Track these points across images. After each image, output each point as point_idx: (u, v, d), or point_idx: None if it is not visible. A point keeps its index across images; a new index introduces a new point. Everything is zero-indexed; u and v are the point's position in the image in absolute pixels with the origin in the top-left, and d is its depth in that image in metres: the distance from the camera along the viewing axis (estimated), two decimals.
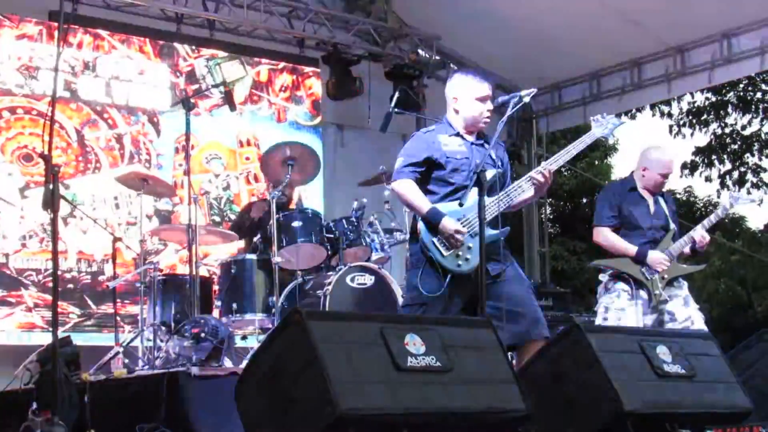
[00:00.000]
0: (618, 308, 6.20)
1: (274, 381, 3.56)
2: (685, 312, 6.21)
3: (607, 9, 9.49)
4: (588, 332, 4.15)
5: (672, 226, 6.35)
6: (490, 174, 5.10)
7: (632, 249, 6.24)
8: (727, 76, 10.79)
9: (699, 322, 6.17)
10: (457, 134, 5.24)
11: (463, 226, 5.01)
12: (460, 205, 5.05)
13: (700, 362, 4.33)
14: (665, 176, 6.40)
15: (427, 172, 5.16)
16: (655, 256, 6.20)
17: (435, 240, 5.01)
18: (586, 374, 4.07)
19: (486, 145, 5.26)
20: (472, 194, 5.01)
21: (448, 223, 4.98)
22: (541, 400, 4.03)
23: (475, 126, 5.27)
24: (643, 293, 6.21)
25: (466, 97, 5.26)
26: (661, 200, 6.44)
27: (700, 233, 6.30)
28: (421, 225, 5.06)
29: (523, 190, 5.23)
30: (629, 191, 6.44)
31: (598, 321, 6.29)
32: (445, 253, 4.99)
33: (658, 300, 6.18)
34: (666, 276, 6.21)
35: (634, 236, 6.30)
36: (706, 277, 18.58)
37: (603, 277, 6.37)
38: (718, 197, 20.69)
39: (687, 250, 6.33)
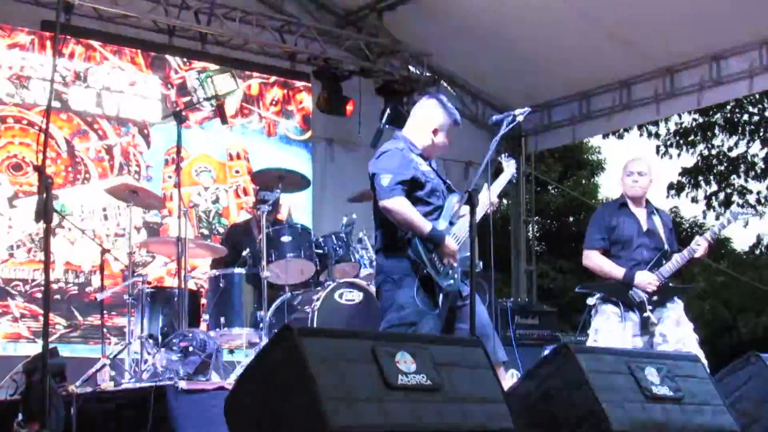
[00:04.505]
0: (608, 330, 6.16)
1: (265, 397, 3.56)
2: (677, 333, 6.13)
3: (598, 30, 9.55)
4: (577, 353, 4.16)
5: (665, 246, 6.28)
6: (453, 199, 5.22)
7: (620, 272, 6.20)
8: (716, 99, 10.86)
9: (691, 343, 6.09)
10: (420, 155, 5.34)
11: None
12: (451, 224, 5.14)
13: (688, 384, 4.34)
14: (629, 174, 6.35)
15: (409, 191, 5.20)
16: (642, 277, 6.14)
17: (432, 258, 5.05)
18: (574, 394, 4.07)
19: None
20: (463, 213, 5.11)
21: (451, 244, 5.05)
22: (530, 419, 4.04)
23: (434, 155, 5.44)
24: (633, 315, 6.16)
25: (446, 130, 5.40)
26: (655, 217, 6.39)
27: (704, 247, 6.16)
28: (416, 243, 5.07)
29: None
30: (619, 208, 6.42)
31: (590, 343, 6.26)
32: (440, 271, 5.05)
33: (649, 323, 6.15)
34: (656, 297, 6.17)
35: (623, 257, 6.28)
36: (691, 298, 18.62)
37: (590, 301, 6.34)
38: (704, 218, 20.81)
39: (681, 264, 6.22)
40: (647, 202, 6.47)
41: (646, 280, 6.14)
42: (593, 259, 6.35)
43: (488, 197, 5.28)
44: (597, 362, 4.18)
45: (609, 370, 4.17)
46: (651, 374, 4.24)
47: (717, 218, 20.01)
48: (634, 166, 6.40)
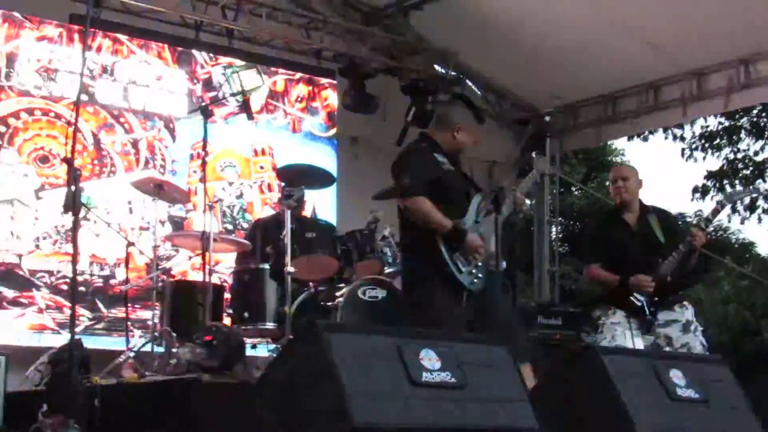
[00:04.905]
0: (613, 322, 6.19)
1: (289, 392, 3.57)
2: (683, 338, 6.15)
3: (626, 31, 9.50)
4: (603, 354, 4.15)
5: (662, 245, 6.28)
6: (478, 198, 5.23)
7: (615, 279, 6.26)
8: (744, 102, 10.76)
9: (696, 350, 6.11)
10: (443, 153, 5.37)
11: None
12: (477, 222, 5.15)
13: (714, 387, 4.33)
14: (613, 182, 6.50)
15: (430, 190, 5.20)
16: (637, 279, 6.16)
17: (455, 256, 5.06)
18: (599, 396, 4.07)
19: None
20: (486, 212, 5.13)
21: (475, 239, 5.05)
22: (553, 420, 4.03)
23: (457, 152, 5.48)
24: (636, 318, 6.19)
25: (469, 129, 5.45)
26: (651, 218, 6.41)
27: (700, 236, 6.13)
28: (438, 242, 5.08)
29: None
30: (610, 218, 6.53)
31: (599, 341, 6.28)
32: (463, 270, 5.05)
33: (649, 326, 6.14)
34: (657, 298, 6.16)
35: (619, 265, 6.29)
36: (715, 301, 18.54)
37: (596, 313, 6.41)
38: (729, 222, 20.68)
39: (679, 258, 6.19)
40: (641, 204, 6.49)
41: (642, 281, 6.15)
42: (590, 273, 6.47)
43: (514, 197, 5.29)
44: (622, 364, 4.17)
45: (634, 371, 4.17)
46: (676, 376, 4.23)
47: (742, 222, 19.93)
48: (616, 173, 6.59)
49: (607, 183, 6.58)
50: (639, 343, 6.09)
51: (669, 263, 6.16)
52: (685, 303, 6.28)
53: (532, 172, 5.73)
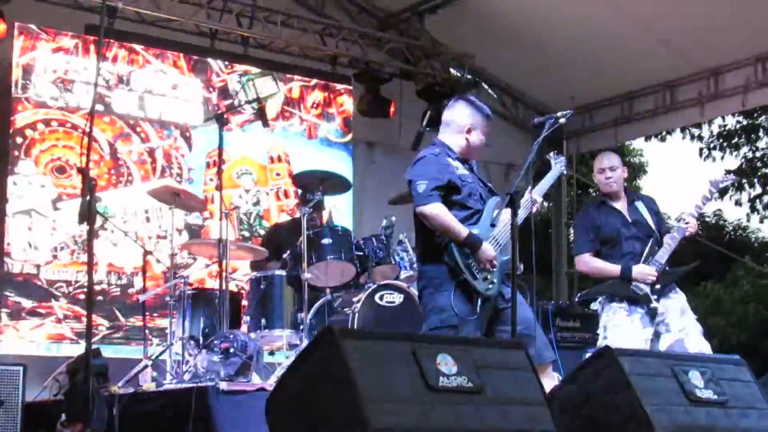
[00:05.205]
0: (616, 324, 6.15)
1: (306, 398, 3.56)
2: (680, 323, 6.12)
3: (642, 31, 9.47)
4: (620, 355, 4.12)
5: (655, 232, 6.26)
6: (493, 202, 5.22)
7: (616, 269, 6.18)
8: (761, 100, 10.70)
9: (693, 333, 6.10)
10: (457, 158, 5.34)
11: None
12: (492, 226, 5.15)
13: (732, 388, 4.29)
14: (600, 172, 6.40)
15: (446, 196, 5.19)
16: (639, 269, 6.12)
17: (469, 263, 5.06)
18: (617, 398, 4.03)
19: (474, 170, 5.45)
20: (502, 215, 5.12)
21: (489, 249, 5.06)
22: (572, 422, 4.01)
23: (473, 155, 5.42)
24: (638, 308, 6.15)
25: (479, 127, 5.40)
26: (639, 205, 6.38)
27: (693, 223, 6.15)
28: (453, 248, 5.08)
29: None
30: (599, 207, 6.45)
31: (600, 342, 6.25)
32: (478, 275, 5.06)
33: (654, 313, 6.12)
34: (658, 285, 6.13)
35: (615, 254, 6.24)
36: (734, 301, 18.47)
37: (594, 305, 6.36)
38: (748, 221, 20.58)
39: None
40: (626, 192, 6.48)
41: (644, 272, 6.12)
42: (587, 263, 6.36)
43: (530, 199, 5.28)
44: (640, 365, 4.14)
45: (652, 373, 4.13)
46: (695, 377, 4.20)
47: (761, 221, 19.85)
48: (604, 163, 6.46)
49: (597, 174, 6.44)
50: (643, 338, 6.06)
51: (665, 250, 6.16)
52: (677, 289, 6.27)
53: (548, 173, 5.71)
